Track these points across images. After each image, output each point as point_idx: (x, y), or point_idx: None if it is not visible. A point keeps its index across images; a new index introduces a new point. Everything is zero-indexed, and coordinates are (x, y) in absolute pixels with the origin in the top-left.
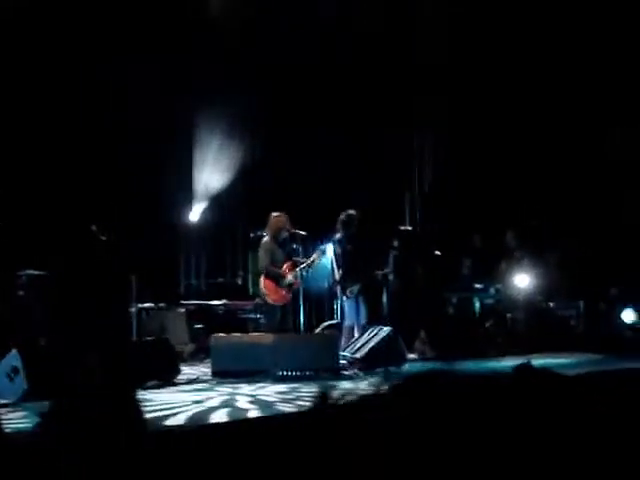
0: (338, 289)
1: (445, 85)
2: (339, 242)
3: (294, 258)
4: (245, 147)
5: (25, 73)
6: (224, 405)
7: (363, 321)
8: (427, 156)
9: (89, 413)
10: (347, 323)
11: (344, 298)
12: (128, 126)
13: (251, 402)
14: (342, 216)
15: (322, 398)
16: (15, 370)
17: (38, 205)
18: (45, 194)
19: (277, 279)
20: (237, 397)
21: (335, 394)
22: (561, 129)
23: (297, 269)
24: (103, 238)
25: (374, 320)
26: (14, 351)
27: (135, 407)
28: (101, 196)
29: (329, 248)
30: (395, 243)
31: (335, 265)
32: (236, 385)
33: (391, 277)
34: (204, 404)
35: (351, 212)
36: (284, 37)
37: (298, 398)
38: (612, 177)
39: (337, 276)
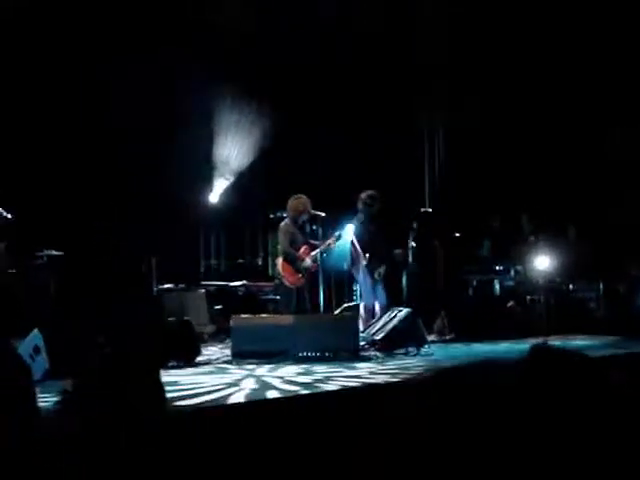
0: (360, 270)
1: (460, 69)
2: (361, 223)
3: (311, 241)
4: (265, 128)
5: (26, 69)
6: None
7: (383, 301)
8: (444, 137)
9: (105, 394)
10: (366, 303)
11: (363, 279)
12: (147, 111)
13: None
14: (363, 196)
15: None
16: (36, 349)
17: (57, 187)
18: (64, 176)
19: (294, 262)
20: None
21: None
22: (574, 111)
23: (314, 252)
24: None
25: (394, 302)
26: (35, 330)
27: (156, 389)
28: (121, 177)
29: (347, 230)
30: (415, 225)
31: (357, 246)
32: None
33: (410, 259)
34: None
35: (372, 192)
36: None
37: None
38: (630, 160)
39: (362, 258)
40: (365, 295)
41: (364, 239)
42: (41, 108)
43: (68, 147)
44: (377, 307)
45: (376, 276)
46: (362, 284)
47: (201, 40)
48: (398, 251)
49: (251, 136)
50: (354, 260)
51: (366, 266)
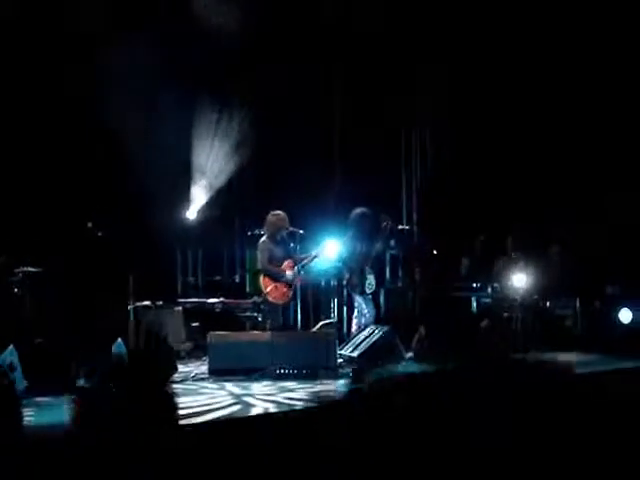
0: (352, 287)
1: (445, 81)
2: (349, 239)
3: (293, 256)
4: (242, 145)
5: (22, 71)
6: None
7: (371, 318)
8: (424, 154)
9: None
10: (364, 320)
11: (359, 295)
12: (125, 123)
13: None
14: (354, 214)
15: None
16: (11, 367)
17: (34, 202)
18: (41, 191)
19: (276, 277)
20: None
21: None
22: (555, 129)
23: (296, 266)
24: (99, 234)
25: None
26: (11, 347)
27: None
28: (98, 193)
29: (329, 245)
30: (392, 242)
31: (344, 264)
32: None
33: (388, 276)
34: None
35: (365, 210)
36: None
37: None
38: (609, 176)
39: (345, 275)
40: (359, 310)
41: (351, 256)
42: (16, 123)
43: (46, 162)
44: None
45: (367, 289)
46: (358, 299)
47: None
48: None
49: (230, 151)
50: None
51: (351, 285)
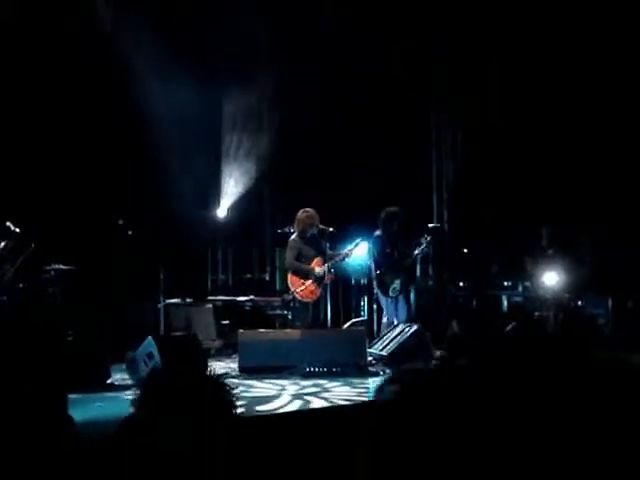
0: (378, 286)
1: (472, 83)
2: (379, 239)
3: (324, 253)
4: (274, 142)
5: (45, 63)
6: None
7: (403, 318)
8: (455, 151)
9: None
10: (386, 320)
11: (383, 295)
12: (158, 121)
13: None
14: (383, 213)
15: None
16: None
17: (65, 200)
18: (72, 189)
19: (305, 274)
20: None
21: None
22: (592, 126)
23: (326, 264)
24: (130, 232)
25: (414, 318)
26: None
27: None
28: (129, 191)
29: (361, 245)
30: (423, 240)
31: (373, 262)
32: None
33: (419, 274)
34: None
35: (393, 209)
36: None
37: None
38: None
39: (374, 273)
40: (385, 310)
41: (380, 255)
42: (48, 120)
43: (76, 162)
44: (395, 323)
45: (391, 293)
46: (383, 300)
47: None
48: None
49: (259, 152)
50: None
51: (377, 284)
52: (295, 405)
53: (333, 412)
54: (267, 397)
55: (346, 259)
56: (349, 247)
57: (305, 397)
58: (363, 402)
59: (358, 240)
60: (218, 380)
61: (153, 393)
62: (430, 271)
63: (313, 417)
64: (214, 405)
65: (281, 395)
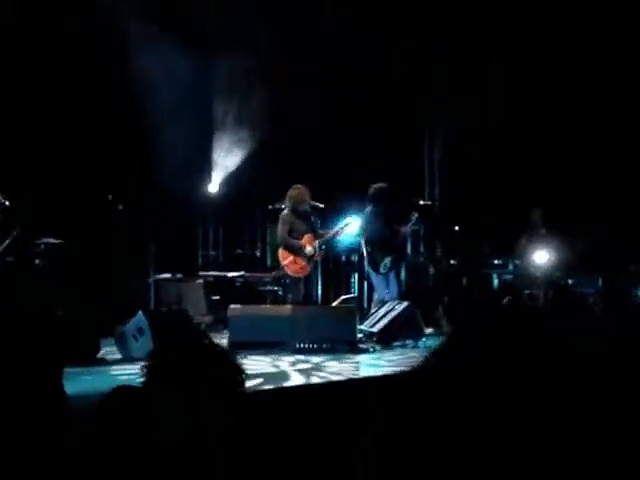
0: (368, 263)
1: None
2: (369, 215)
3: (315, 230)
4: (265, 118)
5: (47, 39)
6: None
7: (393, 295)
8: (447, 129)
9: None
10: (377, 297)
11: (374, 272)
12: (147, 96)
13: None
14: (372, 189)
15: None
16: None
17: (55, 174)
18: (62, 163)
19: (296, 250)
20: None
21: None
22: (584, 108)
23: (317, 241)
24: (120, 207)
25: (405, 295)
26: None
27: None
28: (119, 165)
29: (352, 222)
30: (412, 217)
31: (364, 239)
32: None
33: (409, 252)
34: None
35: (381, 185)
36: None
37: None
38: (633, 154)
39: (364, 250)
40: (376, 287)
41: (370, 232)
42: (42, 95)
43: (67, 134)
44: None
45: (381, 269)
46: (373, 276)
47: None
48: None
49: (250, 126)
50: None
51: (368, 261)
52: (291, 380)
53: (327, 387)
54: (261, 373)
55: (337, 237)
56: (340, 225)
57: (299, 372)
58: (356, 377)
59: (349, 218)
60: (227, 355)
61: (165, 366)
62: (421, 248)
63: (307, 392)
64: (221, 380)
65: (274, 370)
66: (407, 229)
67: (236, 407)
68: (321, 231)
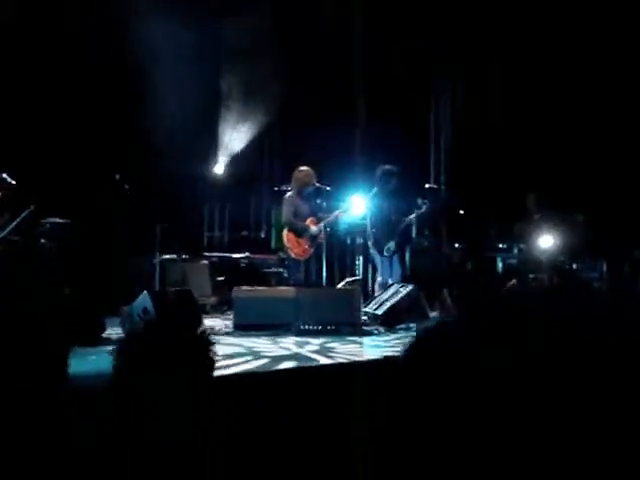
0: (372, 245)
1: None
2: (375, 197)
3: (318, 214)
4: (271, 100)
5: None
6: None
7: (397, 278)
8: (454, 112)
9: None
10: (381, 280)
11: (378, 255)
12: (155, 77)
13: None
14: (379, 171)
15: None
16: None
17: (62, 154)
18: (69, 143)
19: (300, 232)
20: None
21: None
22: (582, 91)
23: (321, 223)
24: (127, 187)
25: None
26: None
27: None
28: (126, 146)
29: (356, 204)
30: (420, 201)
31: (369, 221)
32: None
33: (414, 235)
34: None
35: (389, 167)
36: None
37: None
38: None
39: (369, 232)
40: (379, 270)
41: (375, 214)
42: (47, 73)
43: (74, 115)
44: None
45: (385, 252)
46: (377, 259)
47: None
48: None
49: (257, 108)
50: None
51: (372, 243)
52: (297, 362)
53: (329, 369)
54: (264, 355)
55: (339, 219)
56: (342, 207)
57: (303, 354)
58: (359, 360)
59: (349, 201)
60: (205, 338)
61: (139, 348)
62: (426, 232)
63: (309, 374)
64: (198, 363)
65: (279, 352)
66: (413, 216)
67: (205, 391)
68: (322, 215)
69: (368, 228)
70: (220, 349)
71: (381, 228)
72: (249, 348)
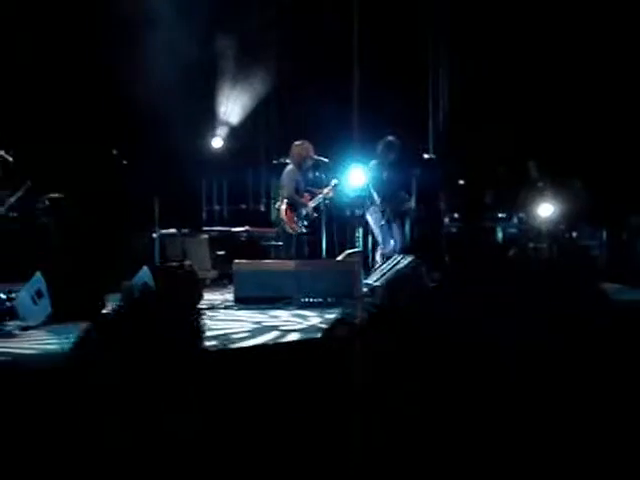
0: (372, 215)
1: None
2: (375, 167)
3: (311, 189)
4: (268, 73)
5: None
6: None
7: (397, 249)
8: (452, 81)
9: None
10: (381, 251)
11: (378, 225)
12: (152, 51)
13: None
14: (381, 142)
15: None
16: (39, 293)
17: (59, 129)
18: (66, 118)
19: (297, 207)
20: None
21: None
22: (581, 55)
23: (316, 198)
24: (125, 161)
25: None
26: (38, 274)
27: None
28: (123, 120)
29: (354, 173)
30: (418, 171)
31: (368, 191)
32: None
33: (413, 206)
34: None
35: (391, 139)
36: None
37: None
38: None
39: (377, 201)
40: (381, 241)
41: (377, 184)
42: (45, 48)
43: (71, 90)
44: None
45: (382, 221)
46: (377, 230)
47: None
48: None
49: (255, 81)
50: (369, 204)
51: (381, 211)
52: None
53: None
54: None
55: (329, 195)
56: (332, 182)
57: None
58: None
59: (348, 168)
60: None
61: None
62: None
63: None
64: (175, 340)
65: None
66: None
67: (192, 366)
68: (314, 190)
69: (367, 198)
70: (222, 323)
71: (383, 197)
72: (252, 320)
